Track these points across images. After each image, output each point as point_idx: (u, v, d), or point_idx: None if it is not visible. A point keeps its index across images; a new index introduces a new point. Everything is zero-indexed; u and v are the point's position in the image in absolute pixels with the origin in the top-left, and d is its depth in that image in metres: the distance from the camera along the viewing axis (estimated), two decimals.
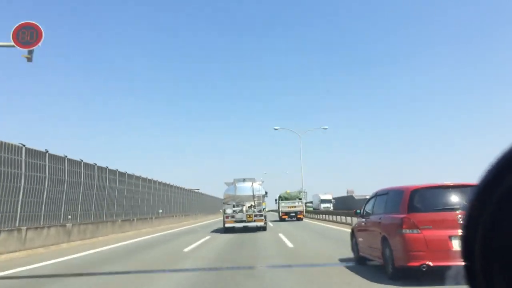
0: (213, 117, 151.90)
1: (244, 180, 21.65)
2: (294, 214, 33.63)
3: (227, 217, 19.97)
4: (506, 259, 0.64)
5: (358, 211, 9.05)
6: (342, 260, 8.98)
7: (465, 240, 0.68)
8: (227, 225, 19.72)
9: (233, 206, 20.68)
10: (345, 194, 63.31)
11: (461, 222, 0.68)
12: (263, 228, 20.08)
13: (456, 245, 5.90)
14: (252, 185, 21.32)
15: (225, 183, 22.45)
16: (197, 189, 54.27)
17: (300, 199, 35.03)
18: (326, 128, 48.90)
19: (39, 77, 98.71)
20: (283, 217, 33.68)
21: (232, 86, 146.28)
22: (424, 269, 5.92)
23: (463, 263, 0.68)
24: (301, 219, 33.45)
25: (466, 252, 0.68)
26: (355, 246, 8.86)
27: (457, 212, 6.06)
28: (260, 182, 22.08)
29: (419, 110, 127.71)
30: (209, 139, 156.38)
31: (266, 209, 21.31)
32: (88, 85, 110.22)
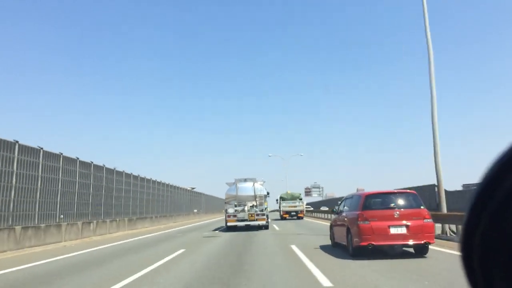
0: (211, 115, 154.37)
1: (245, 180, 21.61)
2: (294, 213, 35.72)
3: (229, 216, 20.11)
4: (506, 259, 0.63)
5: (334, 209, 11.99)
6: (321, 246, 11.90)
7: (465, 238, 0.67)
8: (229, 223, 19.97)
9: (235, 206, 20.76)
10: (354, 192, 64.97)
11: (463, 221, 0.67)
12: (265, 227, 20.32)
13: (392, 231, 8.83)
14: (253, 185, 21.40)
15: (226, 183, 22.62)
16: (193, 188, 53.71)
17: (301, 199, 37.29)
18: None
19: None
20: (284, 216, 35.70)
21: (232, 86, 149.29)
22: (370, 247, 8.84)
23: (463, 262, 0.67)
24: (302, 218, 35.84)
25: (466, 251, 0.67)
26: (332, 236, 11.80)
27: (393, 209, 8.99)
28: (262, 182, 22.16)
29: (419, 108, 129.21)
30: (207, 137, 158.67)
31: (269, 209, 22.05)
32: (86, 82, 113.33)
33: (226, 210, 20.94)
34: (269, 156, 59.45)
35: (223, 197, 23.24)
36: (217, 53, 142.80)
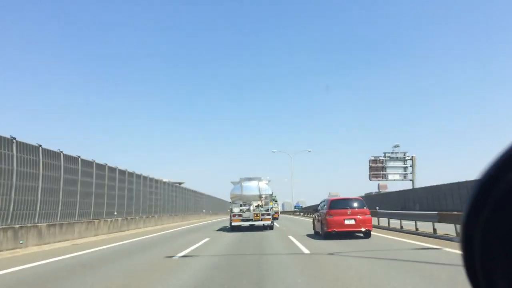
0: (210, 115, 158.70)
1: (250, 179, 21.56)
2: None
3: (233, 215, 20.05)
4: (507, 256, 0.64)
5: (316, 208, 17.54)
6: (307, 234, 17.45)
7: (465, 236, 0.68)
8: (233, 223, 19.94)
9: (240, 205, 20.88)
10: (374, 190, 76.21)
11: (462, 220, 0.68)
12: (270, 227, 20.35)
13: (346, 222, 14.32)
14: (258, 184, 21.38)
15: (231, 182, 22.57)
16: (182, 182, 51.95)
17: (276, 201, 42.31)
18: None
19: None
20: None
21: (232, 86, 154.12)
22: (333, 232, 14.36)
23: (464, 262, 0.68)
24: (277, 218, 39.35)
25: (466, 248, 0.67)
26: (313, 227, 17.35)
27: (347, 209, 14.49)
28: (267, 181, 22.13)
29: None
30: (205, 138, 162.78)
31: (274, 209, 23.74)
32: (86, 84, 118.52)
33: (231, 210, 21.06)
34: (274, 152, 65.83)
35: (223, 197, 23.71)
36: (221, 55, 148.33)
